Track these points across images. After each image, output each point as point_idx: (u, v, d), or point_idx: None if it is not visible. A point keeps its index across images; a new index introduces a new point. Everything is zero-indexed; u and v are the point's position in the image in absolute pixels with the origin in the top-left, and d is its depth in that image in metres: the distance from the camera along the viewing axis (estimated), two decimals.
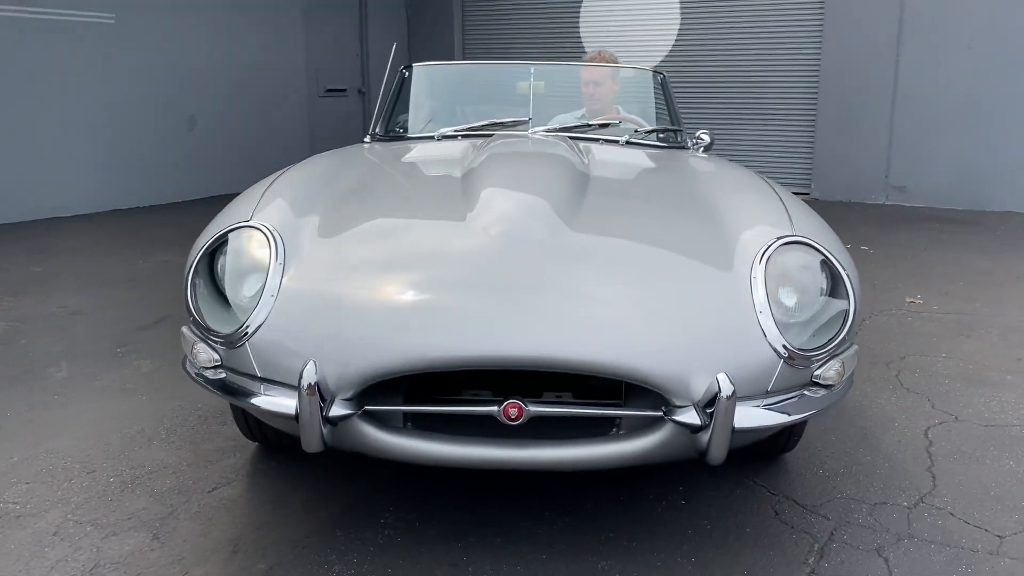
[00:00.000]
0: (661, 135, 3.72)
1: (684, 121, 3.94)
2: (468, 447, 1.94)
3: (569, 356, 1.85)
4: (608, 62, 4.09)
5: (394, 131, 3.74)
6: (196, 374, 2.13)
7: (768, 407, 1.94)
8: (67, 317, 4.31)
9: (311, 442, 1.86)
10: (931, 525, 2.29)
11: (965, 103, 7.84)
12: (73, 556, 2.14)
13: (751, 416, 1.89)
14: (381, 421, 1.96)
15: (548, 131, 3.42)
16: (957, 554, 2.15)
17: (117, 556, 2.14)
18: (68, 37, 7.19)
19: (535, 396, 2.04)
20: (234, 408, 2.56)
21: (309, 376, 1.82)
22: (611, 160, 3.16)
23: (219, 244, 2.20)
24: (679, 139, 3.77)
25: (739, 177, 2.89)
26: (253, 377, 2.00)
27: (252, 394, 1.98)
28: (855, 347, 2.16)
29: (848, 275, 2.11)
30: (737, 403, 1.84)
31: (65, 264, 5.53)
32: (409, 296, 2.01)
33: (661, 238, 2.29)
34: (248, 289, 2.10)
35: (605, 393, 2.09)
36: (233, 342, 2.01)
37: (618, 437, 1.96)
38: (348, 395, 1.88)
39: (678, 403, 1.86)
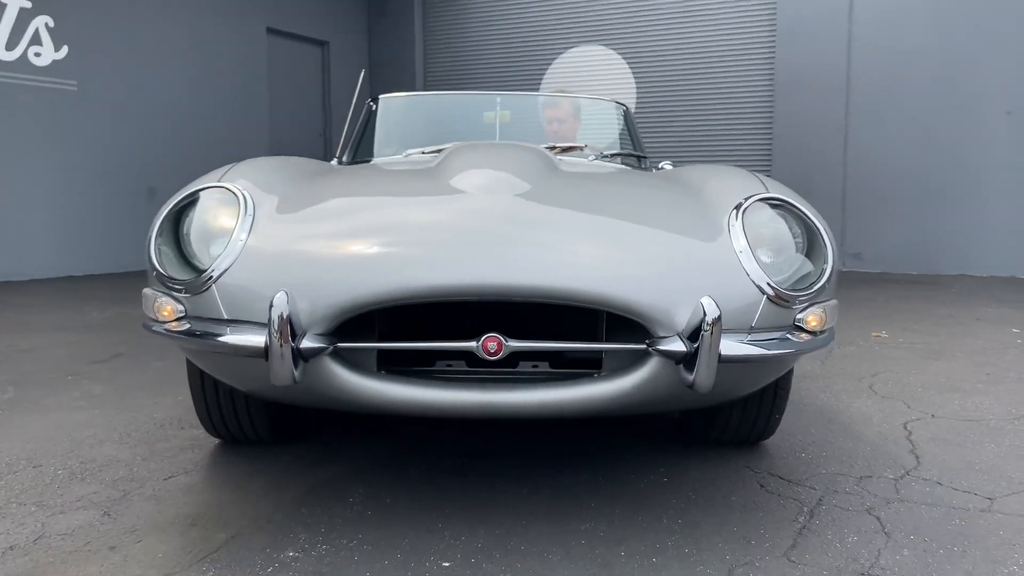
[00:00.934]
0: (626, 160, 3.77)
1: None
2: (444, 391, 1.86)
3: (546, 284, 1.80)
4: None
5: (361, 160, 3.75)
6: (161, 328, 2.03)
7: (752, 342, 1.89)
8: (16, 354, 4.13)
9: (281, 374, 1.76)
10: (920, 492, 2.23)
11: (913, 173, 8.14)
12: (15, 531, 1.97)
13: (736, 346, 1.84)
14: (354, 364, 1.87)
15: None
16: (949, 512, 2.09)
17: (64, 529, 1.98)
18: (29, 102, 7.19)
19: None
20: (196, 398, 2.44)
21: (280, 305, 1.75)
22: (581, 161, 3.19)
23: (186, 204, 2.14)
24: (643, 166, 3.82)
25: (710, 165, 2.92)
26: (220, 321, 1.91)
27: (219, 335, 1.89)
28: (835, 301, 2.14)
29: (823, 229, 2.11)
30: (723, 335, 1.80)
31: (16, 316, 5.35)
32: (381, 235, 1.97)
33: (638, 195, 2.29)
34: (215, 243, 2.03)
35: (587, 362, 2.05)
36: (198, 287, 1.93)
37: (602, 378, 1.89)
38: (320, 331, 1.80)
39: (662, 334, 1.81)
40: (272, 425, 2.48)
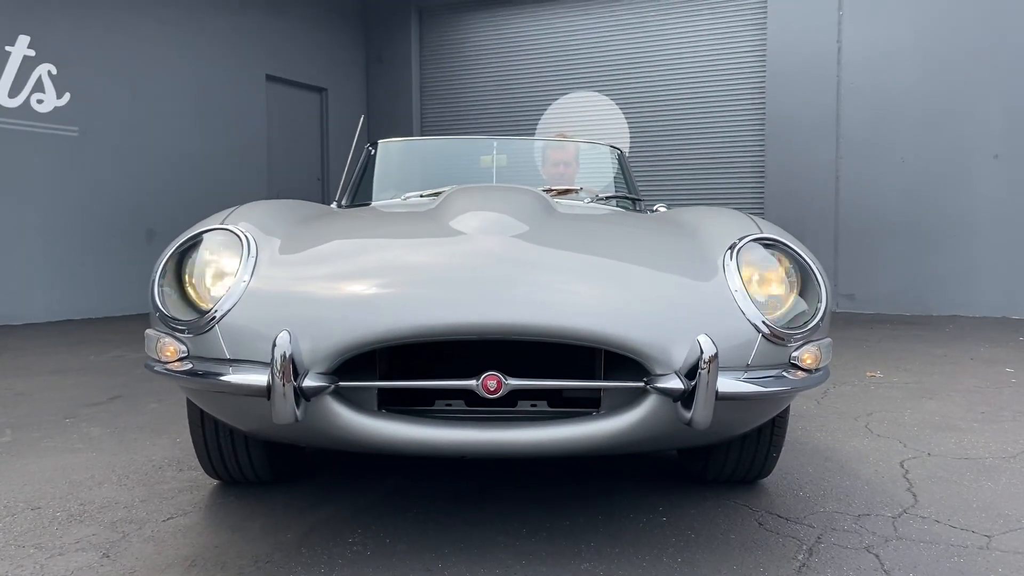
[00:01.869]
0: (621, 202, 3.83)
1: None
2: (444, 430, 1.88)
3: (544, 323, 1.83)
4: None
5: (360, 203, 3.79)
6: (163, 369, 2.05)
7: (749, 380, 1.92)
8: (13, 397, 4.13)
9: (283, 413, 1.78)
10: (918, 529, 2.24)
11: (904, 215, 8.23)
12: (14, 572, 1.97)
13: (733, 384, 1.87)
14: (355, 404, 1.89)
15: None
16: (947, 549, 2.09)
17: (63, 571, 1.97)
18: (31, 148, 7.27)
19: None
20: (196, 438, 2.45)
21: (283, 345, 1.77)
22: (577, 204, 3.24)
23: (190, 246, 2.17)
24: (638, 208, 3.87)
25: (704, 207, 2.97)
26: (223, 361, 1.93)
27: (222, 374, 1.91)
28: (829, 339, 2.17)
29: (816, 269, 2.15)
30: (719, 371, 1.82)
31: (14, 359, 5.35)
32: (382, 275, 2.00)
33: (634, 236, 2.34)
34: (218, 284, 2.06)
35: (585, 401, 2.08)
36: (201, 327, 1.96)
37: (600, 416, 1.92)
38: (321, 370, 1.83)
39: (659, 372, 1.84)
40: (271, 465, 2.49)
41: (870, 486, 2.62)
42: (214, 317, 1.95)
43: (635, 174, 4.38)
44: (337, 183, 3.97)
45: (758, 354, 1.95)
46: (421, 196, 3.37)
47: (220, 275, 2.09)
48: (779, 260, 2.16)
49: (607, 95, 9.76)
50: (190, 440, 2.52)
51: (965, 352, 5.58)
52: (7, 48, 7.09)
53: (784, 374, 2.00)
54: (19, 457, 3.00)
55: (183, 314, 2.02)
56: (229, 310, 1.95)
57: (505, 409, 2.06)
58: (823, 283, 2.13)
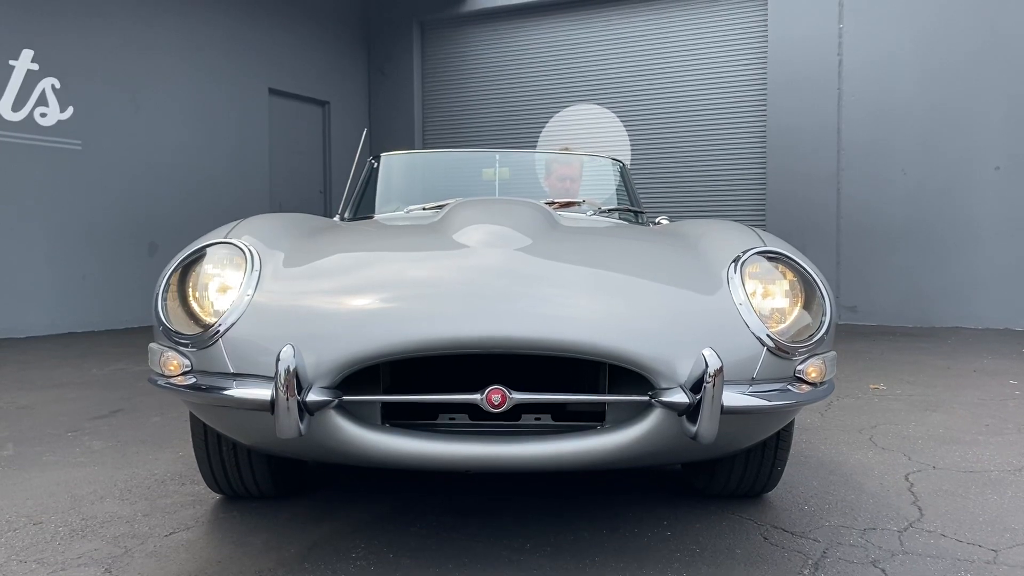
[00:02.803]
0: (623, 215, 3.83)
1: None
2: (448, 444, 1.87)
3: (548, 336, 1.83)
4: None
5: (363, 216, 3.80)
6: (166, 383, 2.04)
7: (754, 394, 1.91)
8: (15, 410, 4.13)
9: (287, 427, 1.77)
10: (924, 544, 2.22)
11: (905, 226, 8.23)
12: None
13: (738, 398, 1.86)
14: (358, 418, 1.89)
15: None
16: (954, 564, 2.08)
17: None
18: (34, 161, 7.29)
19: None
20: (199, 452, 2.45)
21: (287, 359, 1.77)
22: (580, 217, 3.24)
23: (193, 260, 2.17)
24: (640, 220, 3.88)
25: (707, 220, 2.97)
26: (226, 375, 1.93)
27: (225, 388, 1.90)
28: (834, 352, 2.17)
29: (820, 282, 2.15)
30: (724, 385, 1.82)
31: (16, 372, 5.35)
32: (385, 289, 2.00)
33: (638, 249, 2.33)
34: (222, 298, 2.06)
35: (589, 415, 2.07)
36: (205, 341, 1.96)
37: (605, 430, 1.91)
38: (325, 384, 1.82)
39: (664, 385, 1.84)
40: (274, 479, 2.48)
41: (875, 500, 2.60)
42: (218, 331, 1.95)
43: (636, 186, 4.39)
44: (339, 195, 3.97)
45: (763, 368, 1.95)
46: (424, 209, 3.38)
47: (224, 289, 2.09)
48: (783, 273, 2.16)
49: (608, 107, 9.79)
50: (192, 454, 2.51)
51: (968, 364, 5.57)
52: (11, 62, 7.11)
53: (789, 387, 2.00)
54: (21, 471, 2.99)
55: (186, 328, 2.01)
56: (233, 324, 1.95)
57: (509, 423, 2.06)
58: (827, 296, 2.12)
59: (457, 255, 2.13)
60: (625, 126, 9.71)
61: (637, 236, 2.76)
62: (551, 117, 10.08)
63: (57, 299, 7.48)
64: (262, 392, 1.83)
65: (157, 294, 2.11)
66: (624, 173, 4.13)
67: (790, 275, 2.16)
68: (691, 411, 1.81)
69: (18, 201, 7.18)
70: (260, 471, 2.43)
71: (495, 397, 1.83)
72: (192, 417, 2.37)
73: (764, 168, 9.00)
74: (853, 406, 4.15)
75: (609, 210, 3.74)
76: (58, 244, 7.50)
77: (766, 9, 8.89)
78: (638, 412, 1.89)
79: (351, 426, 1.85)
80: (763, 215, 8.97)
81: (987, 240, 7.93)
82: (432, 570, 2.05)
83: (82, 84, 7.65)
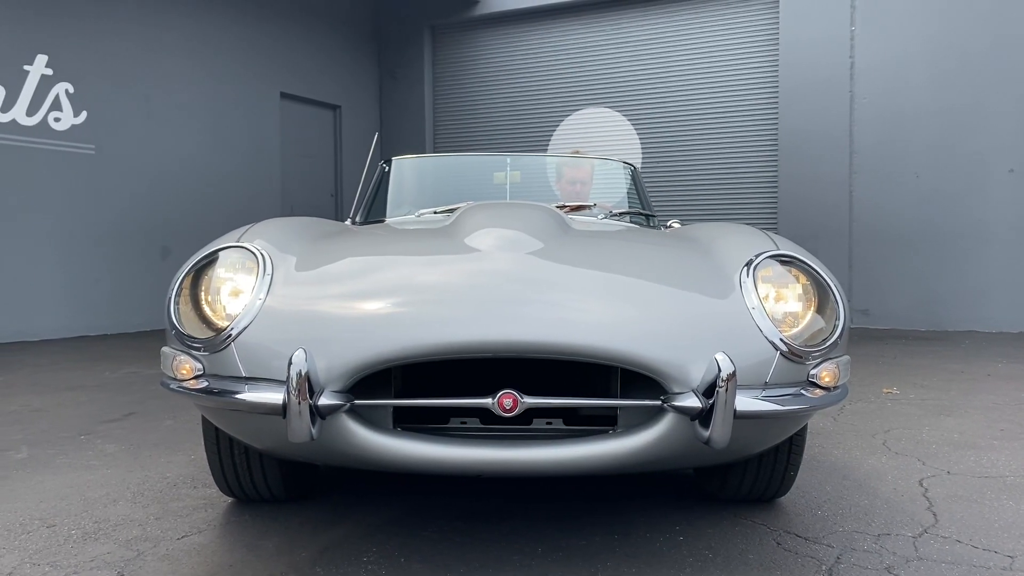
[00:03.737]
0: (634, 218, 3.82)
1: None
2: (459, 448, 1.87)
3: (559, 341, 1.82)
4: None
5: (374, 220, 3.80)
6: (178, 387, 2.05)
7: (767, 398, 1.90)
8: (29, 413, 4.15)
9: (298, 431, 1.77)
10: (939, 550, 2.21)
11: (919, 230, 8.19)
12: None
13: (751, 403, 1.85)
14: (370, 422, 1.88)
15: None
16: (970, 570, 2.06)
17: None
18: (48, 166, 7.34)
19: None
20: (211, 456, 2.45)
21: (299, 363, 1.77)
22: (591, 220, 3.24)
23: (206, 264, 2.18)
24: (652, 224, 3.86)
25: (720, 223, 2.96)
26: (238, 379, 1.93)
27: (237, 392, 1.91)
28: (848, 357, 2.15)
29: (834, 286, 2.13)
30: (737, 390, 1.81)
31: (29, 375, 5.38)
32: (397, 293, 2.00)
33: (650, 253, 2.33)
34: (234, 302, 2.07)
35: (601, 419, 2.07)
36: (217, 345, 1.96)
37: (617, 434, 1.90)
38: (336, 388, 1.82)
39: (677, 390, 1.83)
40: (285, 483, 2.48)
41: (889, 505, 2.59)
42: (230, 335, 1.95)
43: (648, 189, 4.37)
44: (351, 199, 3.98)
45: (776, 372, 1.94)
46: (435, 213, 3.38)
47: (236, 293, 2.09)
48: (796, 277, 2.15)
49: (619, 111, 9.78)
50: (204, 457, 2.52)
51: (982, 368, 5.53)
52: (26, 67, 7.17)
53: (803, 392, 1.99)
54: (35, 474, 3.01)
55: (199, 332, 2.02)
56: (245, 328, 1.95)
57: (520, 427, 2.05)
58: (841, 300, 2.11)
59: (468, 259, 2.13)
60: (636, 129, 9.70)
61: (649, 240, 2.75)
62: (562, 121, 10.09)
63: (70, 302, 7.52)
64: (274, 396, 1.83)
65: (170, 298, 2.11)
66: (635, 176, 4.12)
67: (803, 279, 2.15)
68: (704, 416, 1.80)
69: (32, 205, 7.23)
70: (272, 475, 2.43)
71: (507, 401, 1.82)
72: (204, 421, 2.38)
73: (776, 171, 8.97)
74: (866, 410, 4.12)
75: (620, 214, 3.73)
76: (71, 247, 7.54)
77: (778, 12, 8.87)
78: (650, 417, 1.88)
79: (362, 430, 1.85)
80: (775, 218, 8.94)
81: (1001, 243, 7.88)
82: (443, 573, 2.05)
83: (96, 89, 7.70)
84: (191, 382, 2.01)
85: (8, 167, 7.05)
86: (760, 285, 2.07)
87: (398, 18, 11.03)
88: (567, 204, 3.58)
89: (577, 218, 3.20)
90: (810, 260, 2.18)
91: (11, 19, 7.04)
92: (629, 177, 4.11)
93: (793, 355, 1.95)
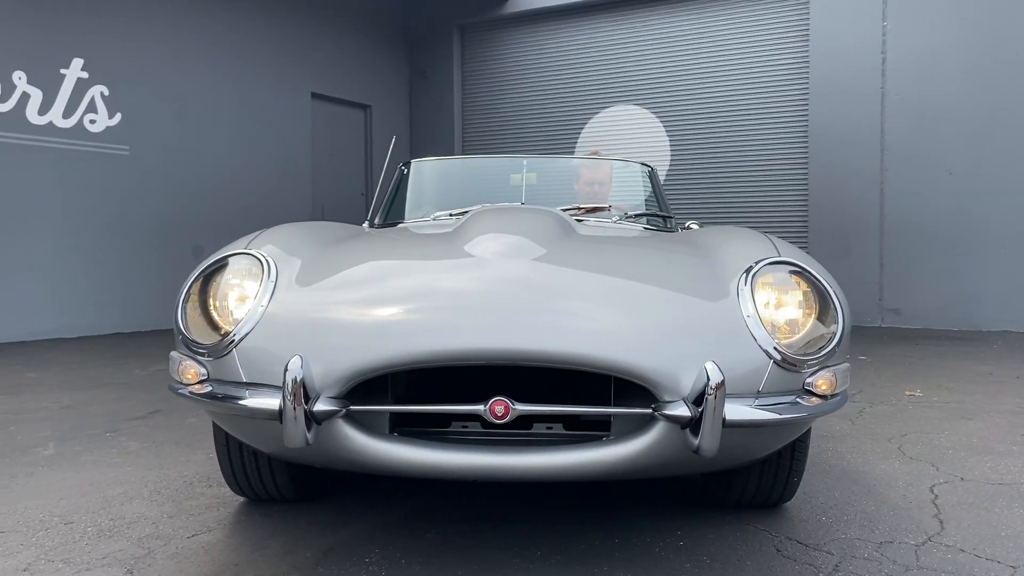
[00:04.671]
0: (651, 220, 3.82)
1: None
2: (454, 453, 1.90)
3: (550, 349, 1.84)
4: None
5: (392, 222, 3.85)
6: (183, 391, 2.11)
7: (759, 406, 1.90)
8: (59, 410, 4.27)
9: (294, 436, 1.82)
10: (940, 559, 2.19)
11: (951, 227, 8.05)
12: None
13: (742, 411, 1.86)
14: (367, 427, 1.92)
15: None
16: None
17: None
18: (84, 166, 7.51)
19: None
20: (221, 457, 2.51)
21: (294, 369, 1.81)
22: (599, 225, 3.25)
23: (215, 270, 2.23)
24: (668, 226, 3.86)
25: (727, 227, 2.95)
26: (240, 384, 1.99)
27: (238, 398, 1.96)
28: (847, 364, 2.15)
29: (834, 293, 2.13)
30: (729, 399, 1.82)
31: (62, 372, 5.53)
32: (394, 301, 2.04)
33: (651, 259, 2.34)
34: (239, 308, 2.12)
35: (594, 424, 2.08)
36: (220, 351, 2.01)
37: (610, 442, 1.92)
38: (333, 394, 1.87)
39: (667, 398, 1.84)
40: (294, 484, 2.53)
41: (896, 512, 2.57)
42: (232, 341, 2.00)
43: (677, 187, 4.38)
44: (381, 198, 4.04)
45: (769, 381, 1.94)
46: (451, 215, 3.42)
47: (242, 299, 2.15)
48: (796, 284, 2.14)
49: (648, 109, 9.75)
50: None
51: (1012, 370, 5.43)
52: (62, 71, 7.34)
53: (799, 400, 1.99)
54: (59, 471, 3.10)
55: (203, 338, 2.07)
56: (247, 334, 2.00)
57: (519, 432, 2.08)
58: (840, 308, 2.10)
59: (465, 266, 2.16)
60: (665, 127, 9.66)
61: (653, 245, 2.75)
62: (590, 119, 10.09)
63: (105, 300, 7.69)
64: (272, 402, 1.88)
65: (178, 303, 2.17)
66: (653, 177, 4.12)
67: (803, 286, 2.14)
68: (694, 424, 1.81)
69: (69, 205, 7.41)
70: (280, 476, 2.49)
71: (498, 408, 1.85)
72: (214, 423, 2.44)
73: (806, 168, 8.87)
74: (886, 413, 4.08)
75: (637, 215, 3.73)
76: (107, 246, 7.71)
77: (808, 7, 8.77)
78: (642, 424, 1.90)
79: (359, 435, 1.89)
80: (805, 216, 8.85)
81: None
82: (442, 575, 2.08)
83: (130, 91, 7.87)
84: (196, 387, 2.06)
85: (45, 168, 7.23)
86: (758, 293, 2.07)
87: (427, 17, 11.09)
88: (583, 206, 3.60)
89: (589, 220, 3.22)
90: (811, 267, 2.17)
91: (48, 24, 7.22)
92: (647, 178, 4.11)
93: (787, 363, 1.96)
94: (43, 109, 7.19)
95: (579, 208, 3.58)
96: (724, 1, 9.38)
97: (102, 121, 7.64)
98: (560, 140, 10.19)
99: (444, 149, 10.77)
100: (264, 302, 2.06)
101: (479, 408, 1.86)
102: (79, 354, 6.45)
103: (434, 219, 3.52)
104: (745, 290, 2.08)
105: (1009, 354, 6.24)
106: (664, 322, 1.97)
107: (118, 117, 7.77)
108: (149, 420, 4.01)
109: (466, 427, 2.12)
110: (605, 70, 10.09)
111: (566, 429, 2.13)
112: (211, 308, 2.17)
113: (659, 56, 9.77)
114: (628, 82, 9.94)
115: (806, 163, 8.88)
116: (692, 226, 3.85)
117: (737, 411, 1.85)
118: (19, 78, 7.02)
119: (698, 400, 1.81)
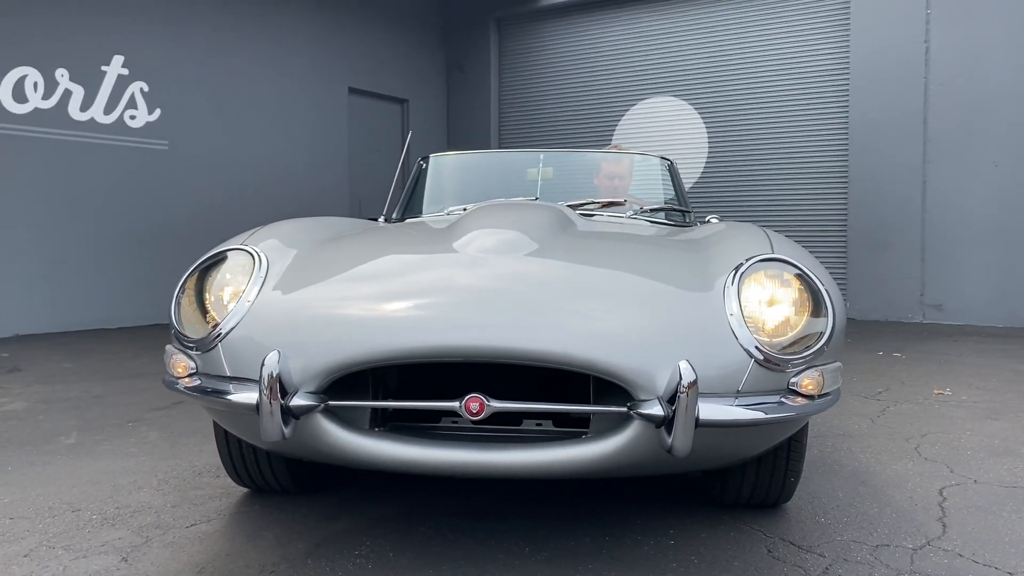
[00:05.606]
0: (669, 215, 3.77)
1: None
2: (433, 449, 1.91)
3: (527, 347, 1.84)
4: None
5: (410, 217, 3.87)
6: (173, 383, 2.15)
7: (738, 406, 1.88)
8: (88, 399, 4.39)
9: (270, 430, 1.85)
10: (936, 563, 2.14)
11: (996, 221, 7.81)
12: (37, 572, 2.11)
13: (719, 411, 1.83)
14: (346, 422, 1.94)
15: None
16: None
17: (82, 573, 2.10)
18: (124, 162, 7.69)
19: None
20: (221, 449, 2.56)
21: (271, 364, 1.84)
22: (606, 220, 3.22)
23: (211, 264, 2.27)
24: (687, 220, 3.82)
25: (734, 223, 2.91)
26: (224, 378, 2.02)
27: (222, 392, 1.99)
28: (837, 364, 2.10)
29: (826, 290, 2.08)
30: (706, 398, 1.80)
31: (98, 362, 5.67)
32: (373, 299, 2.06)
33: (642, 256, 2.32)
34: (231, 300, 2.15)
35: (584, 421, 2.08)
36: (207, 345, 2.05)
37: (587, 440, 1.91)
38: (311, 388, 1.89)
39: (643, 397, 1.82)
40: (292, 476, 2.57)
41: (899, 514, 2.51)
42: (219, 335, 2.04)
43: (713, 180, 4.32)
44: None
45: (750, 380, 1.91)
46: (464, 210, 3.42)
47: (234, 294, 2.18)
48: (787, 282, 2.10)
49: (685, 101, 9.64)
50: None
51: None
52: (103, 68, 7.52)
53: (783, 400, 1.95)
54: (76, 459, 3.19)
55: (192, 332, 2.12)
56: (232, 329, 2.04)
57: (506, 428, 2.08)
58: (831, 306, 2.06)
59: (450, 263, 2.16)
60: (703, 119, 9.54)
61: (649, 242, 2.72)
62: (627, 110, 10.01)
63: (147, 292, 7.87)
64: (251, 396, 1.91)
65: (174, 296, 2.22)
66: (673, 171, 4.07)
67: (795, 284, 2.10)
68: (668, 423, 1.79)
69: (112, 200, 7.60)
70: (278, 467, 2.52)
71: (473, 405, 1.85)
72: None
73: (846, 160, 8.68)
74: (909, 412, 3.99)
75: (653, 209, 3.70)
76: (146, 239, 7.89)
77: None
78: (620, 423, 1.89)
79: (337, 430, 1.91)
80: (844, 210, 8.67)
81: None
82: (427, 571, 2.09)
83: (169, 87, 8.02)
84: (185, 380, 2.11)
85: (88, 163, 7.41)
86: (744, 291, 2.04)
87: (464, 11, 11.11)
88: (600, 200, 3.58)
89: (602, 215, 3.19)
90: (804, 264, 2.13)
91: (90, 22, 7.39)
92: (667, 172, 4.07)
93: (770, 363, 1.92)
94: (84, 105, 7.37)
95: (595, 202, 3.56)
96: None
97: (142, 117, 7.81)
98: (598, 132, 10.13)
99: (481, 143, 10.78)
100: (251, 297, 2.10)
101: (454, 404, 1.87)
102: (120, 344, 6.62)
103: (448, 213, 3.54)
104: (731, 288, 2.05)
105: None
106: (644, 320, 1.95)
107: (157, 113, 7.93)
108: (172, 410, 4.10)
109: (456, 422, 2.12)
110: (642, 62, 10.00)
111: (556, 426, 2.12)
112: (205, 302, 2.21)
113: (696, 48, 9.64)
114: (665, 74, 9.83)
115: (846, 155, 8.69)
116: (712, 220, 3.80)
117: (713, 410, 1.82)
118: (61, 75, 7.21)
119: (673, 399, 1.79)
